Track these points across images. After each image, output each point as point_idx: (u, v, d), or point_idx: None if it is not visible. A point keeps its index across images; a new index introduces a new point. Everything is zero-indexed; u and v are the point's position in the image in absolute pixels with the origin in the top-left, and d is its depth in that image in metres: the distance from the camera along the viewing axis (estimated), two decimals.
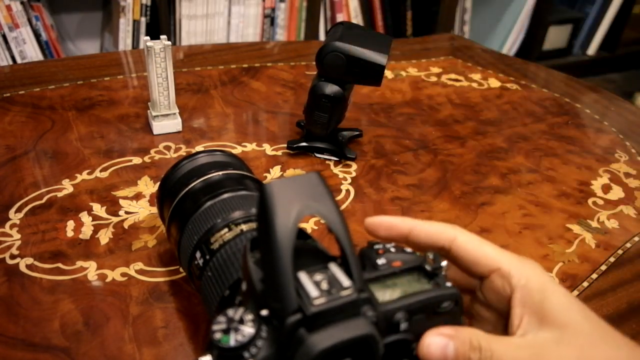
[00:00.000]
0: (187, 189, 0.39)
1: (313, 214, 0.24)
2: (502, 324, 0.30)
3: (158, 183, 0.53)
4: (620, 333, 0.27)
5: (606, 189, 0.59)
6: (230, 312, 0.24)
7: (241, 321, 0.23)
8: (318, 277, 0.24)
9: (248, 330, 0.23)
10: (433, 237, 0.30)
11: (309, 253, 0.26)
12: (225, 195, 0.38)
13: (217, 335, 0.23)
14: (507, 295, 0.29)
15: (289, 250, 0.23)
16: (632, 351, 0.27)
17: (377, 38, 0.55)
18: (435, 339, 0.26)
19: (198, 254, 0.35)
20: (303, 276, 0.24)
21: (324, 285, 0.23)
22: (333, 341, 0.22)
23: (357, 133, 0.63)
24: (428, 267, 0.28)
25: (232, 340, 0.23)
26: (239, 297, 0.28)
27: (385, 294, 0.26)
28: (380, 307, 0.25)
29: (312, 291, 0.23)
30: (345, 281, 0.24)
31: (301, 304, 0.23)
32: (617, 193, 0.58)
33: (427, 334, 0.26)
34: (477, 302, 0.32)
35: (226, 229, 0.35)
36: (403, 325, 0.25)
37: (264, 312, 0.24)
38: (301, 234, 0.29)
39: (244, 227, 0.35)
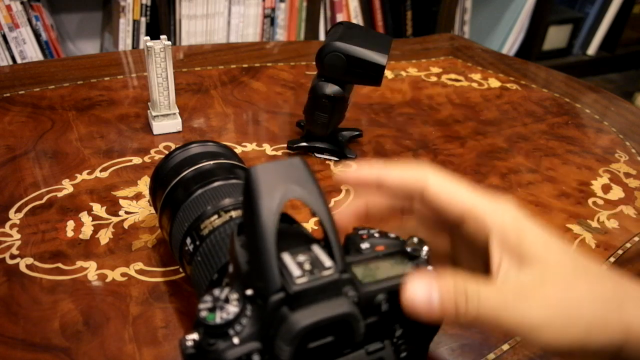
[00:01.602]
0: (178, 177, 0.40)
1: (297, 198, 0.25)
2: (483, 267, 0.28)
3: None
4: (601, 266, 0.27)
5: (606, 189, 0.59)
6: (216, 291, 0.24)
7: (226, 300, 0.24)
8: (301, 258, 0.25)
9: (233, 308, 0.24)
10: (404, 186, 0.29)
11: (293, 236, 0.27)
12: (216, 184, 0.38)
13: (203, 314, 0.24)
14: (484, 239, 0.27)
15: (273, 231, 0.24)
16: (616, 284, 0.26)
17: (377, 38, 0.55)
18: (420, 284, 0.25)
19: (188, 240, 0.36)
20: (286, 257, 0.25)
21: (307, 266, 0.24)
22: (314, 319, 0.23)
23: (357, 133, 0.63)
24: (410, 251, 0.28)
25: (218, 317, 0.23)
26: (226, 279, 0.28)
27: (367, 277, 0.27)
28: (362, 288, 0.26)
29: (295, 271, 0.24)
30: (327, 262, 0.24)
31: (284, 283, 0.23)
32: (617, 193, 0.58)
33: (409, 279, 0.25)
34: (458, 246, 0.30)
35: (216, 216, 0.36)
36: (384, 307, 0.26)
37: (249, 292, 0.24)
38: (287, 219, 0.30)
39: (233, 213, 0.36)
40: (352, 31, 0.54)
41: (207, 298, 0.24)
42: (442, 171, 0.29)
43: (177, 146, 0.43)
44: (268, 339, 0.23)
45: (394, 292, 0.26)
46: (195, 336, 0.24)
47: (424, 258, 0.28)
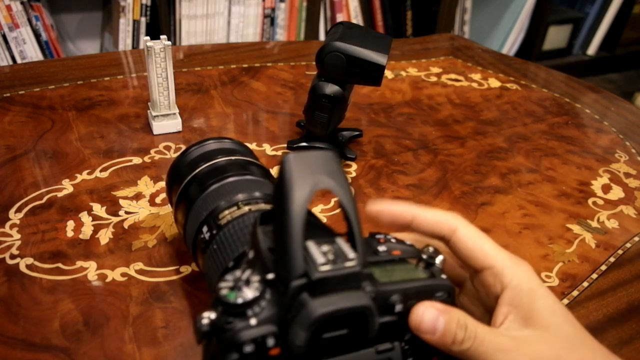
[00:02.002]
0: (194, 172, 0.40)
1: (327, 189, 0.25)
2: (486, 319, 0.30)
3: (158, 183, 0.53)
4: (595, 341, 0.29)
5: (606, 189, 0.59)
6: (238, 272, 0.25)
7: (247, 282, 0.24)
8: (325, 247, 0.25)
9: (253, 290, 0.24)
10: (435, 226, 0.31)
11: (319, 227, 0.27)
12: (230, 179, 0.39)
13: (224, 292, 0.24)
14: (496, 293, 0.30)
15: (301, 218, 0.24)
16: (605, 356, 0.28)
17: (377, 38, 0.55)
18: (430, 310, 0.28)
19: (205, 229, 0.36)
20: (311, 245, 0.25)
21: (330, 256, 0.24)
22: (333, 307, 0.23)
23: (357, 133, 0.63)
24: (426, 259, 0.29)
25: (238, 297, 0.23)
26: (244, 265, 0.28)
27: (383, 277, 0.27)
28: (378, 286, 0.26)
29: (319, 258, 0.24)
30: (350, 253, 0.25)
31: (307, 269, 0.24)
32: (617, 193, 0.58)
33: (421, 303, 0.27)
34: (465, 294, 0.33)
35: (235, 207, 0.36)
36: (398, 307, 0.26)
37: (270, 276, 0.24)
38: (310, 215, 0.30)
39: (253, 207, 0.36)
40: (352, 31, 0.54)
41: (229, 277, 0.24)
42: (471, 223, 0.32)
43: (194, 142, 0.43)
44: (285, 323, 0.23)
45: (408, 295, 0.27)
46: (212, 314, 0.24)
47: (439, 267, 0.29)
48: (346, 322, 0.24)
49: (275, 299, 0.24)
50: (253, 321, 0.23)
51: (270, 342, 0.23)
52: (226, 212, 0.36)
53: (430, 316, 0.27)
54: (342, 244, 0.25)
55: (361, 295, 0.24)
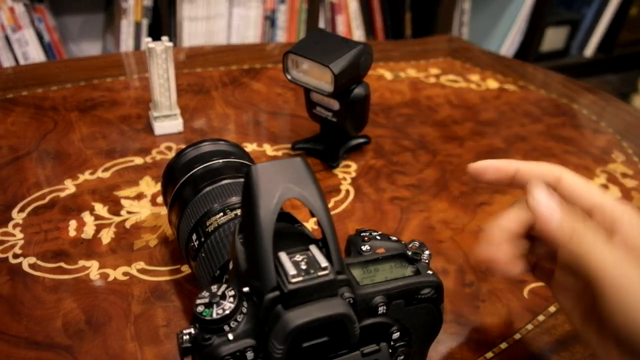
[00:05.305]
0: (188, 174, 0.40)
1: (296, 197, 0.25)
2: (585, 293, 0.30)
3: (159, 183, 0.54)
4: None
5: (603, 189, 0.59)
6: (214, 287, 0.25)
7: (223, 296, 0.24)
8: (298, 257, 0.25)
9: (229, 305, 0.24)
10: (540, 175, 0.33)
11: (292, 235, 0.27)
12: (225, 182, 0.39)
13: (200, 308, 0.24)
14: (607, 230, 0.30)
15: (270, 230, 0.24)
16: None
17: (336, 51, 0.51)
18: (547, 196, 0.31)
19: (194, 237, 0.36)
20: (283, 256, 0.25)
21: (303, 266, 0.24)
22: (308, 318, 0.23)
23: (364, 140, 0.62)
24: (411, 255, 0.28)
25: (214, 313, 0.24)
26: (227, 276, 0.28)
27: (365, 279, 0.27)
28: (359, 290, 0.26)
29: (291, 270, 0.24)
30: (323, 262, 0.25)
31: (280, 282, 0.24)
32: (614, 193, 0.59)
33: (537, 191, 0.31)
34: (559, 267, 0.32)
35: (221, 213, 0.36)
36: (381, 309, 0.26)
37: (246, 289, 0.25)
38: (289, 218, 0.30)
39: (239, 211, 0.36)
40: (320, 40, 0.53)
41: (205, 294, 0.25)
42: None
43: (190, 144, 0.43)
44: (262, 336, 0.24)
45: (392, 295, 0.27)
46: (191, 330, 0.24)
47: (425, 262, 0.29)
48: (325, 330, 0.24)
49: (251, 312, 0.24)
50: (230, 336, 0.23)
51: (250, 355, 0.23)
52: (213, 218, 0.36)
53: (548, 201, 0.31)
54: (316, 252, 0.25)
55: (337, 303, 0.24)
